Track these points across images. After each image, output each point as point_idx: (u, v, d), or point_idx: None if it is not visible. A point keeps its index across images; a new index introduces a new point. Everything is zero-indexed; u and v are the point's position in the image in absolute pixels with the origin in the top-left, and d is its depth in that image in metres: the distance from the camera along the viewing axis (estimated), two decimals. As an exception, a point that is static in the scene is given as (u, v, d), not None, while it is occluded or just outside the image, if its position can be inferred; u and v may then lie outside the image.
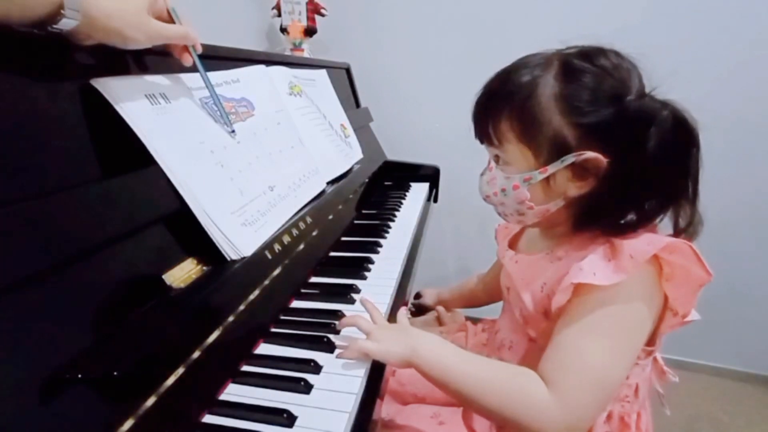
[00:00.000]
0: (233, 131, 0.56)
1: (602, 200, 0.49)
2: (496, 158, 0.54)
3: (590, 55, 0.48)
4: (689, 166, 0.46)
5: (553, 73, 0.48)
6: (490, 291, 0.84)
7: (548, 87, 0.48)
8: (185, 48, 0.50)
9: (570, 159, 0.47)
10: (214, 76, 0.59)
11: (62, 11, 0.34)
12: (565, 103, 0.47)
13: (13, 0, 0.32)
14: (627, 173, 0.46)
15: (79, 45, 0.38)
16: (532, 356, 0.59)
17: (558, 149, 0.48)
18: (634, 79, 0.47)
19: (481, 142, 0.56)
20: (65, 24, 0.35)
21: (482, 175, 0.58)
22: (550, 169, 0.49)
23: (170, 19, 0.47)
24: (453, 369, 0.47)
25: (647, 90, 0.47)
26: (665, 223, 0.49)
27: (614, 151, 0.46)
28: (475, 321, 0.81)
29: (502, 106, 0.50)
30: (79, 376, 0.31)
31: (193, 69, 0.51)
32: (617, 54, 0.48)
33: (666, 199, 0.48)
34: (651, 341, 0.50)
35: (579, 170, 0.48)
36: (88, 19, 0.36)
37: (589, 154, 0.47)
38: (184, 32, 0.48)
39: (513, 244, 0.68)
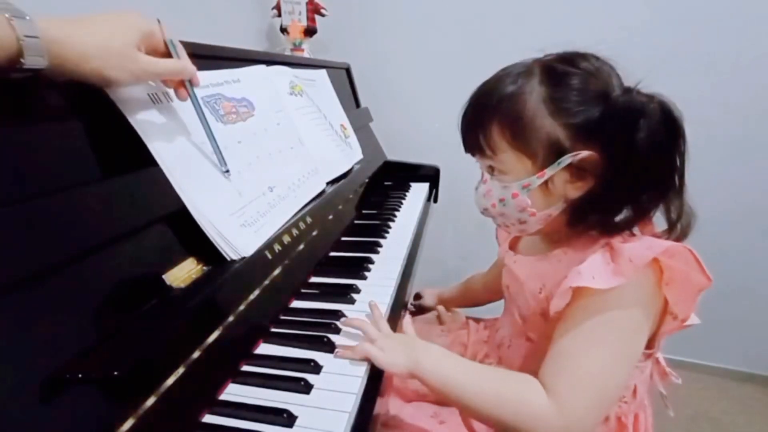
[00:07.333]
0: (227, 171, 0.52)
1: (599, 198, 0.49)
2: (490, 169, 0.54)
3: (570, 59, 0.49)
4: (676, 158, 0.47)
5: (537, 79, 0.49)
6: (490, 290, 0.84)
7: (535, 92, 0.49)
8: (182, 82, 0.47)
9: (567, 160, 0.48)
10: (215, 75, 0.59)
11: (21, 60, 0.31)
12: (554, 105, 0.48)
13: None
14: (621, 168, 0.46)
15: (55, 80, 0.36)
16: (530, 356, 0.59)
17: (553, 152, 0.48)
18: (615, 79, 0.48)
19: (473, 154, 0.56)
20: (31, 64, 0.32)
21: (477, 188, 0.58)
22: (548, 172, 0.49)
23: (167, 53, 0.44)
24: (454, 380, 0.47)
25: (631, 86, 0.48)
26: (658, 218, 0.50)
27: (608, 147, 0.47)
28: (477, 320, 0.81)
29: (492, 116, 0.51)
30: (79, 376, 0.31)
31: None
32: (595, 57, 0.50)
33: (658, 192, 0.48)
34: (650, 344, 0.50)
35: (576, 171, 0.49)
36: (59, 60, 0.34)
37: (585, 153, 0.47)
38: (179, 67, 0.44)
39: (513, 245, 0.68)
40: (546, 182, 0.50)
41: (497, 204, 0.54)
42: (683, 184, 0.48)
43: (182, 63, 0.45)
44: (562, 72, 0.48)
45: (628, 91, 0.47)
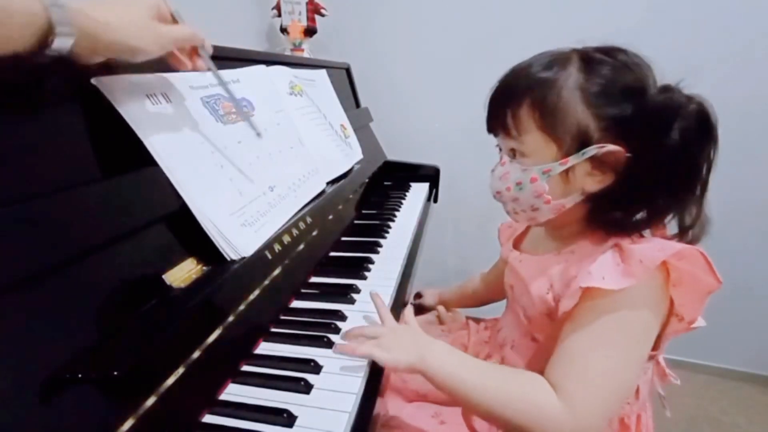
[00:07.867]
0: (259, 134, 0.59)
1: (618, 195, 0.48)
2: (512, 152, 0.53)
3: (609, 51, 0.48)
4: (703, 163, 0.46)
5: (575, 66, 0.48)
6: (491, 290, 0.84)
7: (571, 78, 0.48)
8: (194, 51, 0.48)
9: (592, 151, 0.47)
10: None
11: (53, 30, 0.31)
12: (588, 94, 0.47)
13: None
14: (646, 167, 0.45)
15: (85, 64, 0.37)
16: (534, 356, 0.58)
17: (580, 141, 0.47)
18: (651, 77, 0.47)
19: (496, 134, 0.55)
20: (61, 44, 0.32)
21: (493, 170, 0.56)
22: (571, 160, 0.48)
23: (174, 23, 0.45)
24: (461, 378, 0.47)
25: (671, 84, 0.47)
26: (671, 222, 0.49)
27: (636, 144, 0.46)
28: (477, 321, 0.81)
29: (523, 96, 0.50)
30: (79, 376, 0.31)
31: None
32: (634, 53, 0.49)
33: (678, 197, 0.47)
34: (655, 345, 0.50)
35: (598, 164, 0.48)
36: (84, 34, 0.34)
37: (611, 147, 0.46)
38: (191, 32, 0.46)
39: (517, 244, 0.67)
40: (566, 171, 0.49)
41: (513, 187, 0.53)
42: (705, 191, 0.47)
43: (192, 28, 0.47)
44: (601, 61, 0.47)
45: (667, 89, 0.45)
